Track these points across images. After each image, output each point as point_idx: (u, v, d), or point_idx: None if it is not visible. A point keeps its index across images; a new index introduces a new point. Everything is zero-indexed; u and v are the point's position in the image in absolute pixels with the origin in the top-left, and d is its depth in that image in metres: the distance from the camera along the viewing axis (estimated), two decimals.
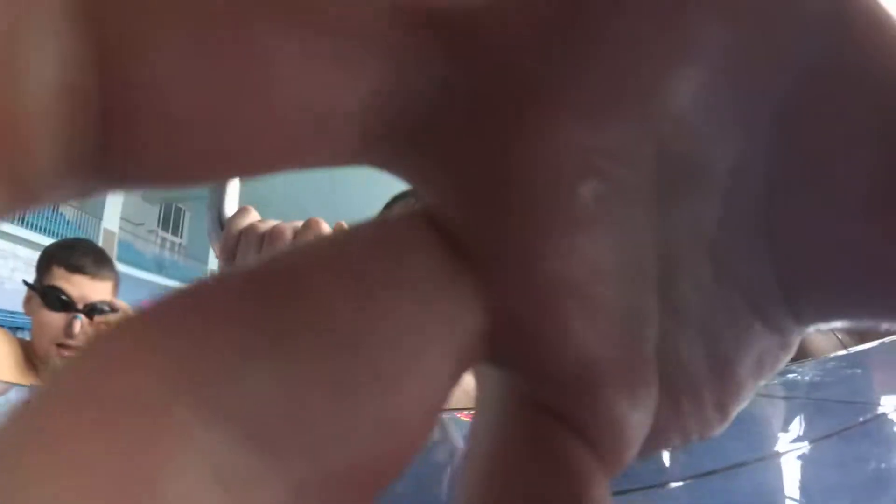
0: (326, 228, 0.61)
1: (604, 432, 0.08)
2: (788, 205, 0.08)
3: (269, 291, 0.07)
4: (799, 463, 0.41)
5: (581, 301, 0.08)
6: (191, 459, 0.06)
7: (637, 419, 0.08)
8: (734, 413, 0.09)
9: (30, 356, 1.20)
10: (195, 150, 0.07)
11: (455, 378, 0.07)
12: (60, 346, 1.17)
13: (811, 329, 0.09)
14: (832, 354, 0.85)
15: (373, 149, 0.07)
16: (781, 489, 0.37)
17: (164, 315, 0.07)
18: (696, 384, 0.08)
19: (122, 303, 1.23)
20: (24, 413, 0.06)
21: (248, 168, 0.07)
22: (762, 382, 0.09)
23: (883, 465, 0.39)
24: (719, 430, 0.09)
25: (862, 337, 1.03)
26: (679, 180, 0.08)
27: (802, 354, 0.95)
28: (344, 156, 0.07)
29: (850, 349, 0.86)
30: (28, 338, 1.23)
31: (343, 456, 0.06)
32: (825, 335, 1.01)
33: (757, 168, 0.08)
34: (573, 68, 0.07)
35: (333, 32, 0.06)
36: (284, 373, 0.06)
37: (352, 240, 0.07)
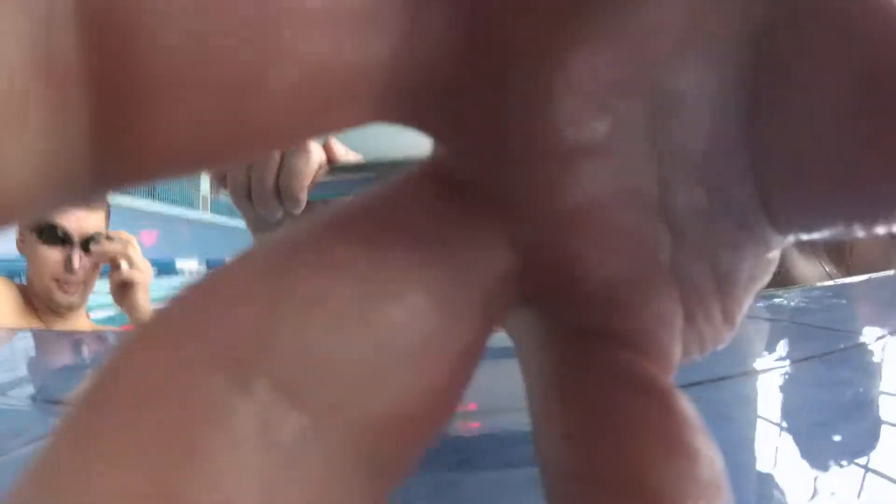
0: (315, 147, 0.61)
1: (646, 342, 0.09)
2: (767, 124, 0.08)
3: (293, 264, 0.07)
4: (780, 380, 0.42)
5: (594, 228, 0.08)
6: (238, 428, 0.06)
7: (668, 332, 0.09)
8: (740, 321, 0.10)
9: (29, 299, 1.20)
10: (210, 126, 0.06)
11: (490, 324, 0.08)
12: (60, 281, 1.17)
13: (791, 238, 0.09)
14: (818, 284, 0.87)
15: (385, 108, 0.07)
16: (761, 400, 0.39)
17: (194, 297, 0.07)
18: (706, 300, 0.09)
19: (122, 233, 1.22)
20: (78, 409, 0.06)
21: (267, 142, 0.06)
22: (758, 289, 0.10)
23: (861, 390, 0.41)
24: (729, 338, 0.10)
25: (848, 270, 1.05)
26: (670, 111, 0.08)
27: (789, 282, 0.97)
28: (357, 119, 0.07)
29: (836, 280, 0.88)
30: (24, 282, 1.23)
31: (375, 408, 0.07)
32: (812, 266, 1.02)
33: (738, 92, 0.08)
34: (578, 4, 0.07)
35: None
36: (310, 332, 0.06)
37: (365, 209, 0.08)
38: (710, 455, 0.08)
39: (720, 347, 0.10)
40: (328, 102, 0.06)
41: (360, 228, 0.07)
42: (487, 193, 0.08)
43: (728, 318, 0.09)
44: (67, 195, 0.06)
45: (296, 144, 0.06)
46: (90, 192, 0.06)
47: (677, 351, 0.09)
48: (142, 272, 1.20)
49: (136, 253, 1.20)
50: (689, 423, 0.08)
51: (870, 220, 0.08)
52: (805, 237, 0.09)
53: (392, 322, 0.07)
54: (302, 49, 0.06)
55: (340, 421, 0.06)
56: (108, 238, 1.20)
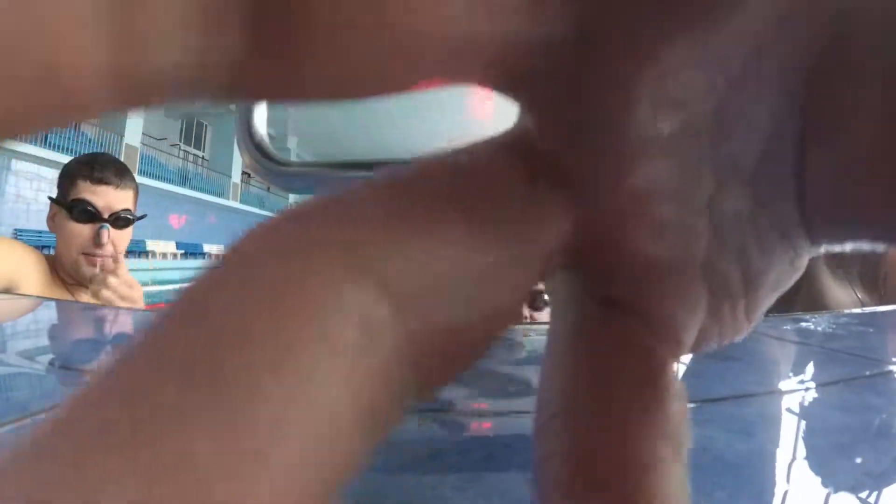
0: None
1: (662, 323, 0.10)
2: (815, 148, 0.09)
3: (409, 201, 0.08)
4: (805, 402, 0.42)
5: (650, 215, 0.09)
6: (339, 306, 0.07)
7: (687, 316, 0.10)
8: (757, 320, 0.11)
9: (56, 271, 1.23)
10: (355, 59, 0.07)
11: (540, 276, 0.09)
12: (88, 255, 1.20)
13: (822, 249, 0.10)
14: (847, 311, 0.86)
15: (495, 76, 0.08)
16: (784, 419, 0.39)
17: (322, 208, 0.08)
18: (733, 295, 0.10)
19: (132, 280, 1.22)
20: (213, 280, 0.07)
21: (389, 86, 0.07)
22: (780, 292, 0.11)
23: (885, 416, 0.41)
24: (745, 334, 0.11)
25: (881, 299, 1.04)
26: (732, 123, 0.09)
27: (822, 307, 0.96)
28: (471, 80, 0.08)
29: (864, 308, 0.86)
30: (52, 254, 1.26)
31: (448, 317, 0.08)
32: (846, 292, 1.01)
33: (792, 117, 0.09)
34: (675, 12, 0.08)
35: None
36: (422, 251, 0.08)
37: (457, 164, 0.09)
38: (680, 414, 0.09)
39: (737, 340, 0.11)
40: (458, 65, 0.07)
41: (459, 189, 0.09)
42: (560, 173, 0.09)
43: (749, 316, 0.10)
44: (194, 96, 0.06)
45: (412, 89, 0.08)
46: (215, 99, 0.07)
47: (689, 338, 0.10)
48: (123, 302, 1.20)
49: (137, 294, 1.21)
50: (670, 386, 0.09)
51: (889, 240, 0.09)
52: (835, 248, 0.10)
53: (483, 259, 0.08)
54: (452, 24, 0.07)
55: (411, 322, 0.07)
56: (136, 218, 1.23)
